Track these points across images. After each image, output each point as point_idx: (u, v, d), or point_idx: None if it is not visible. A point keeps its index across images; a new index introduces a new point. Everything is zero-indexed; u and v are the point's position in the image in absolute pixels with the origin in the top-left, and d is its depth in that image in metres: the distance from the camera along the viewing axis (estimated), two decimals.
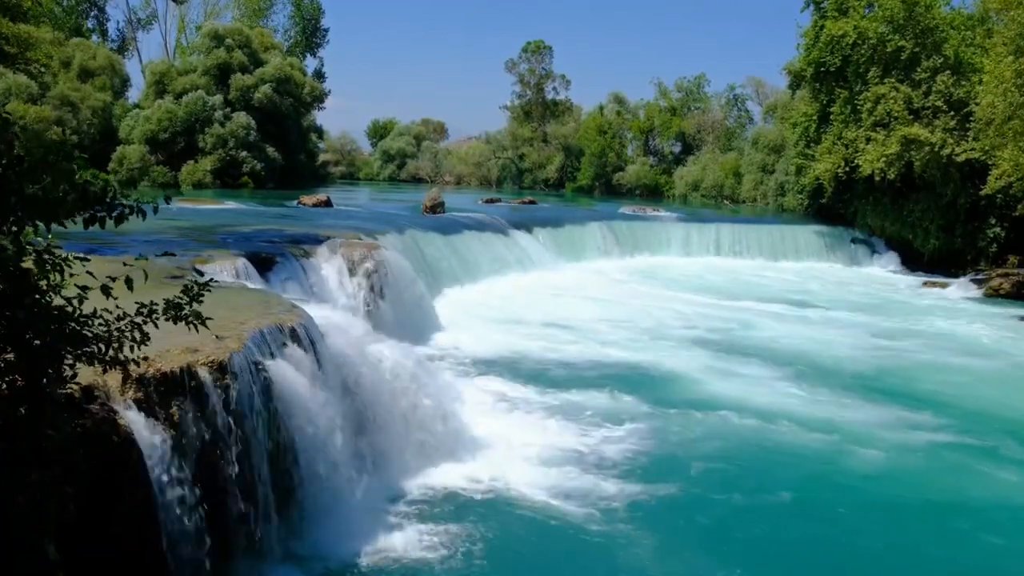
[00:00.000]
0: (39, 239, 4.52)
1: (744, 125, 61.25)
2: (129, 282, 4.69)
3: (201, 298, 5.16)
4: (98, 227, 4.59)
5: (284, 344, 8.26)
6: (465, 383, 13.21)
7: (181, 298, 5.13)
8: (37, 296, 4.41)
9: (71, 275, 4.58)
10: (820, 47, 32.51)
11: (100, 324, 4.81)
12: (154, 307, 5.01)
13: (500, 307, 20.10)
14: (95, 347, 4.71)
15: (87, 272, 4.65)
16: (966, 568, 8.46)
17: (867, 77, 31.31)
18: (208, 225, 19.30)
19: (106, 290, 4.61)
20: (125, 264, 4.99)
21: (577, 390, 13.29)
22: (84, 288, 4.64)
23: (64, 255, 4.55)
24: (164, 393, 6.41)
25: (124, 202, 4.61)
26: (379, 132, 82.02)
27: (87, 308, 4.71)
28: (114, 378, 5.90)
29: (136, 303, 4.98)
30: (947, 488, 10.24)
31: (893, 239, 32.98)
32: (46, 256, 4.41)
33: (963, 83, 29.70)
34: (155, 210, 4.68)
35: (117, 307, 4.89)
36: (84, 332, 4.65)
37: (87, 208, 4.51)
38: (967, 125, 28.79)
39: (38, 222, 4.45)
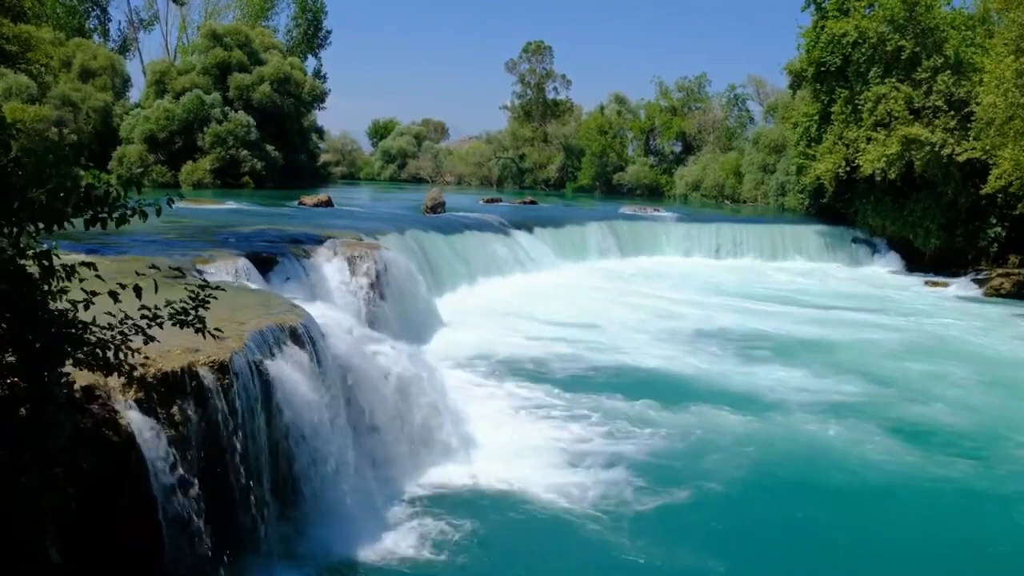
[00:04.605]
0: (41, 241, 4.52)
1: (745, 125, 61.23)
2: (138, 290, 4.71)
3: (207, 304, 5.18)
4: (99, 226, 4.60)
5: (285, 344, 8.26)
6: (466, 383, 13.21)
7: (187, 303, 5.14)
8: (39, 298, 4.41)
9: (80, 280, 4.58)
10: (821, 47, 32.45)
11: (103, 328, 4.81)
12: (158, 312, 5.02)
13: (501, 307, 20.10)
14: (97, 351, 4.71)
15: (96, 276, 4.66)
16: None
17: (868, 77, 31.27)
18: (208, 225, 19.29)
19: (114, 296, 4.62)
20: (137, 273, 5.01)
21: (578, 390, 13.28)
22: (93, 293, 4.65)
23: (69, 261, 4.56)
24: (165, 393, 6.41)
25: (126, 204, 4.61)
26: (379, 132, 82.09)
27: (92, 310, 4.71)
28: (115, 378, 5.90)
29: (141, 307, 4.98)
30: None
31: (894, 239, 32.93)
32: (45, 261, 4.40)
33: (964, 83, 29.65)
34: (158, 212, 4.68)
35: (121, 311, 4.90)
36: (86, 336, 4.66)
37: (89, 210, 4.51)
38: (968, 125, 28.74)
39: (40, 224, 4.46)
